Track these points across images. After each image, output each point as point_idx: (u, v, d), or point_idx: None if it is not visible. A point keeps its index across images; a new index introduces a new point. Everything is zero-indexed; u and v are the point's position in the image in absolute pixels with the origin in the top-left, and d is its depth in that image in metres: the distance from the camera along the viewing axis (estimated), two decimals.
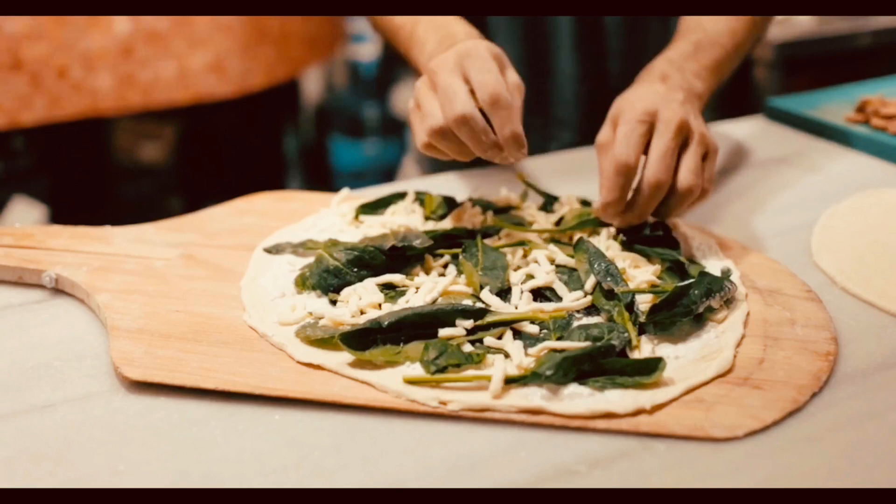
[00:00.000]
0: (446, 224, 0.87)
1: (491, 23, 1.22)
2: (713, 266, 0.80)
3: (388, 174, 2.63)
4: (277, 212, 0.94)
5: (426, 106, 0.80)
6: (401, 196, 0.95)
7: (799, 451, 0.57)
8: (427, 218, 0.90)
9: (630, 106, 0.83)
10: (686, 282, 0.72)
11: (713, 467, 0.56)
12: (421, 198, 0.94)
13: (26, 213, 2.10)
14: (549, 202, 0.93)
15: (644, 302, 0.72)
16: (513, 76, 0.82)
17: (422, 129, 0.80)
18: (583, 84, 1.24)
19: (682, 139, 0.82)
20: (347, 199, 0.96)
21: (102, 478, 0.56)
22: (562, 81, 1.25)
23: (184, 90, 1.88)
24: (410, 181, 1.16)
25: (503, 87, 0.76)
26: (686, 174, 0.81)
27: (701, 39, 0.97)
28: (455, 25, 0.92)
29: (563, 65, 1.23)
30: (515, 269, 0.78)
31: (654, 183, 0.80)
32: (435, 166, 1.37)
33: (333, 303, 0.75)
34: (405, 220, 0.89)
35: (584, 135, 1.22)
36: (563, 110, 1.25)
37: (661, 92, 0.86)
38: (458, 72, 0.78)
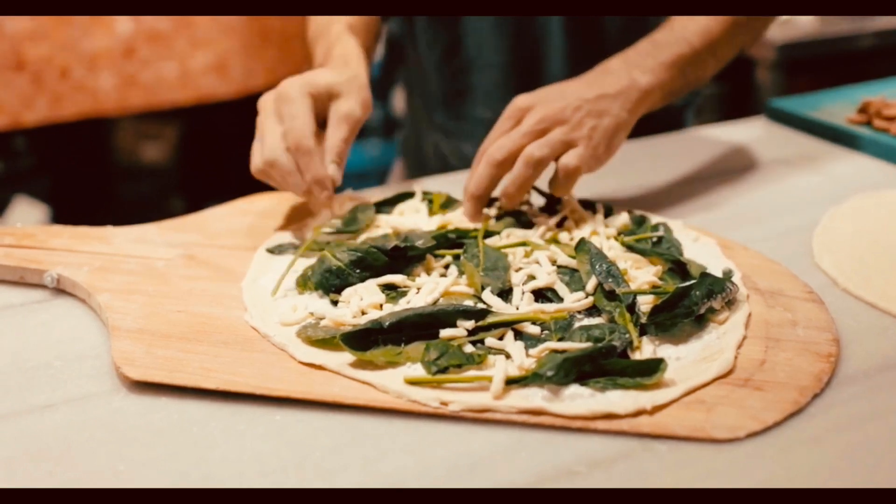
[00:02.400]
0: (454, 217, 0.88)
1: (479, 28, 1.21)
2: (714, 267, 0.80)
3: (384, 175, 2.63)
4: (279, 212, 0.94)
5: (253, 146, 0.87)
6: (408, 195, 0.95)
7: (800, 452, 0.57)
8: (433, 214, 0.90)
9: (512, 102, 0.91)
10: (687, 283, 0.72)
11: (714, 468, 0.56)
12: (429, 197, 0.94)
13: (28, 213, 2.10)
14: (550, 203, 0.93)
15: (645, 303, 0.72)
16: (344, 106, 0.87)
17: (251, 167, 0.86)
18: None
19: (543, 128, 0.87)
20: (350, 200, 0.96)
21: (103, 478, 0.56)
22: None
23: (185, 90, 1.88)
24: (403, 183, 1.17)
25: (305, 132, 0.82)
26: (531, 146, 0.86)
27: (664, 37, 0.98)
28: (338, 46, 0.98)
29: (553, 69, 1.23)
30: (517, 270, 0.78)
31: (489, 155, 0.87)
32: (424, 169, 1.37)
33: (335, 303, 0.75)
34: (413, 219, 0.89)
35: None
36: None
37: (565, 89, 0.91)
38: (275, 115, 0.85)
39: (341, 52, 0.98)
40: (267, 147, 0.84)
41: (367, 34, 1.10)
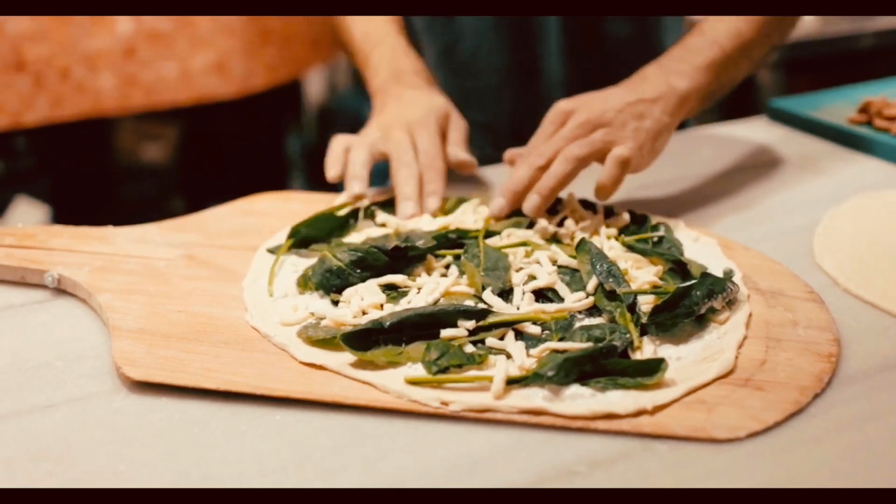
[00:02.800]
0: (455, 218, 0.88)
1: (476, 30, 1.21)
2: (715, 267, 0.80)
3: (385, 176, 2.62)
4: (280, 212, 0.94)
5: (369, 132, 0.98)
6: None
7: (800, 453, 0.57)
8: (436, 215, 0.91)
9: (553, 107, 0.93)
10: (688, 283, 0.72)
11: (714, 468, 0.56)
12: None
13: (28, 213, 2.10)
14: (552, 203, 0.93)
15: (646, 303, 0.72)
16: (459, 121, 1.01)
17: (356, 138, 0.98)
18: (572, 91, 1.24)
19: (585, 131, 0.89)
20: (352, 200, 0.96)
21: (103, 478, 0.56)
22: (551, 88, 1.25)
23: (186, 90, 1.88)
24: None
25: (440, 156, 0.95)
26: (571, 145, 0.87)
27: (696, 42, 0.99)
28: (404, 60, 1.07)
29: (551, 71, 1.23)
30: (517, 270, 0.78)
31: (530, 162, 0.88)
32: None
33: (335, 303, 0.75)
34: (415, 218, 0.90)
35: None
36: None
37: (607, 94, 0.92)
38: (407, 135, 0.96)
39: (415, 67, 1.07)
40: (406, 155, 0.94)
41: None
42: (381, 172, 1.01)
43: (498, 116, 1.26)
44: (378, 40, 1.11)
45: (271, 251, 0.84)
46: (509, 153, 0.96)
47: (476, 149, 1.28)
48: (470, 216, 0.89)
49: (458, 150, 0.98)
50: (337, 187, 0.96)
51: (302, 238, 0.85)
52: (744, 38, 0.99)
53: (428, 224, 0.88)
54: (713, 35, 0.98)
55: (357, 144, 0.96)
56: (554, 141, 0.89)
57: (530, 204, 0.86)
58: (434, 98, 1.02)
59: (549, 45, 1.22)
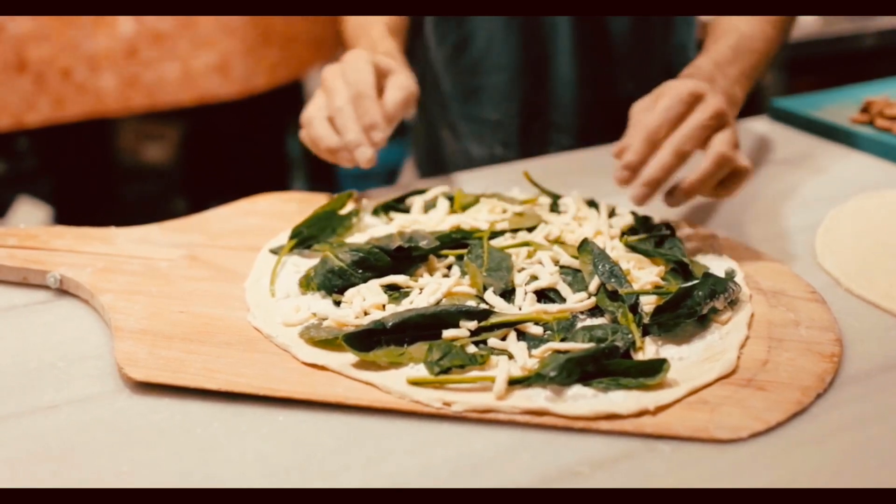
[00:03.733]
0: (469, 216, 0.88)
1: (487, 29, 1.22)
2: (717, 267, 0.80)
3: (392, 175, 2.63)
4: (281, 213, 0.94)
5: (314, 100, 0.93)
6: (417, 193, 0.95)
7: (803, 453, 0.57)
8: (453, 212, 0.90)
9: (679, 84, 0.85)
10: (690, 283, 0.72)
11: (717, 468, 0.56)
12: (449, 195, 0.94)
13: (31, 213, 2.10)
14: (557, 202, 0.93)
15: (648, 303, 0.72)
16: (401, 77, 0.94)
17: (305, 115, 0.92)
18: (582, 89, 1.24)
19: (718, 123, 0.83)
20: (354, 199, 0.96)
21: (106, 478, 0.56)
22: (560, 87, 1.25)
23: (188, 91, 1.88)
24: (413, 182, 1.17)
25: (367, 85, 0.89)
26: (718, 144, 0.81)
27: (739, 43, 0.97)
28: (381, 45, 1.05)
29: (561, 70, 1.23)
30: (519, 270, 0.78)
31: (677, 148, 0.80)
32: (434, 169, 1.37)
33: (337, 304, 0.75)
34: (428, 215, 0.90)
35: (583, 139, 1.23)
36: (562, 115, 1.25)
37: (709, 87, 0.87)
38: (341, 76, 0.92)
39: (386, 49, 1.04)
40: (336, 98, 0.90)
41: (401, 37, 1.14)
42: (386, 172, 1.01)
43: (508, 115, 1.26)
44: (364, 33, 1.11)
45: (274, 251, 0.84)
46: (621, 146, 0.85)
47: (486, 147, 1.28)
48: (483, 215, 0.89)
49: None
50: (338, 187, 0.96)
51: (304, 238, 0.85)
52: (771, 41, 0.99)
53: (439, 221, 0.87)
54: (750, 40, 0.97)
55: (333, 112, 0.89)
56: (694, 128, 0.81)
57: (673, 200, 0.83)
58: (382, 56, 0.97)
59: (559, 44, 1.22)
